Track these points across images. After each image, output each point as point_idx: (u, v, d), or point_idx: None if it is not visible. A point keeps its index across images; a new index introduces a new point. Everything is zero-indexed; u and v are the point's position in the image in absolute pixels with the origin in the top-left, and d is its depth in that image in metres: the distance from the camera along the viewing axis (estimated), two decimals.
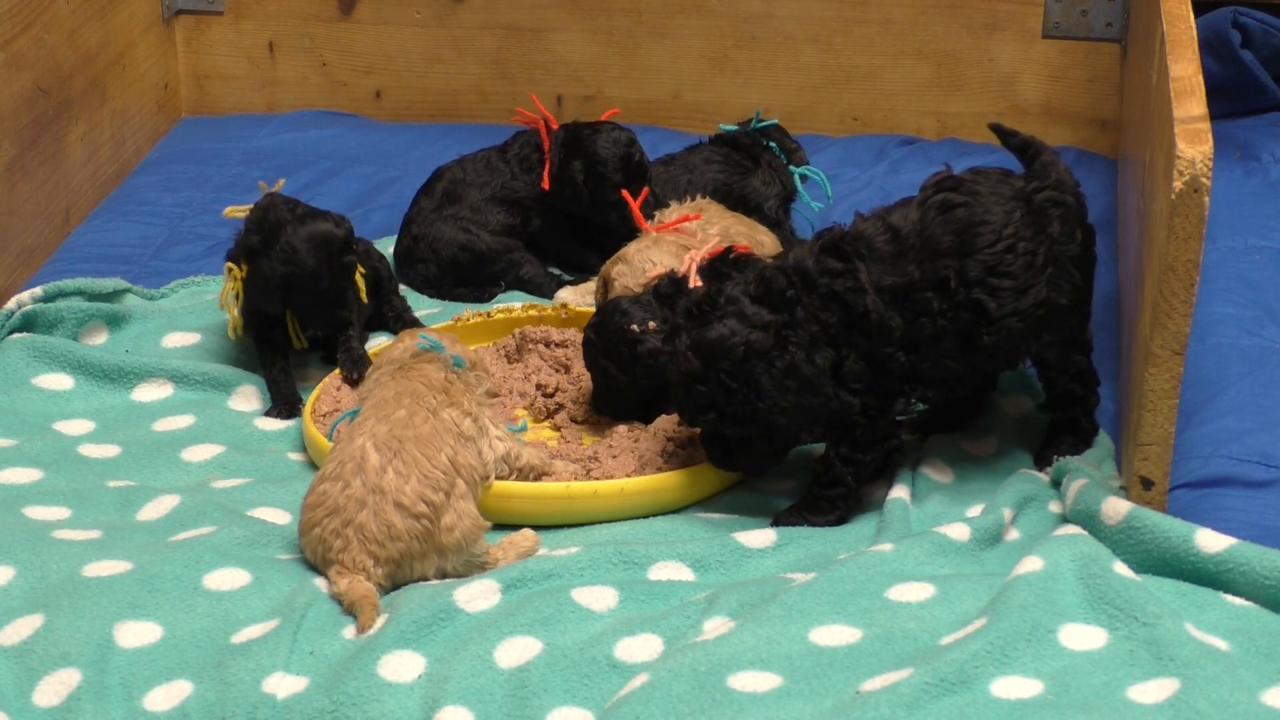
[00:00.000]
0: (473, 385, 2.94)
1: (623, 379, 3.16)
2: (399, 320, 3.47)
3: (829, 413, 2.82)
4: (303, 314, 3.32)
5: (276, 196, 3.34)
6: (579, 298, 3.64)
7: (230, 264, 3.33)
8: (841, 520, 2.91)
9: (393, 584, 2.70)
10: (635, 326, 3.13)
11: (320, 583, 2.68)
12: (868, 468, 2.91)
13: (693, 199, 3.65)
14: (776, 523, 2.91)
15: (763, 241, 3.51)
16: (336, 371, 3.34)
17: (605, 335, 3.16)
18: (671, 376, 2.88)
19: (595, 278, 3.72)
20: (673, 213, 3.49)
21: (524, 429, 3.09)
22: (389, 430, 2.74)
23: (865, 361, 2.83)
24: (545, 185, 3.75)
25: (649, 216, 3.56)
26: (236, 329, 3.34)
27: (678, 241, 3.36)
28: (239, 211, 3.38)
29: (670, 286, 3.18)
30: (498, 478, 2.90)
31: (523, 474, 2.94)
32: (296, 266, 3.23)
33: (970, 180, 2.92)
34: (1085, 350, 3.01)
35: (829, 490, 2.91)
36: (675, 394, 2.89)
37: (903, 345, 2.83)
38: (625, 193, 3.60)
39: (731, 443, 2.89)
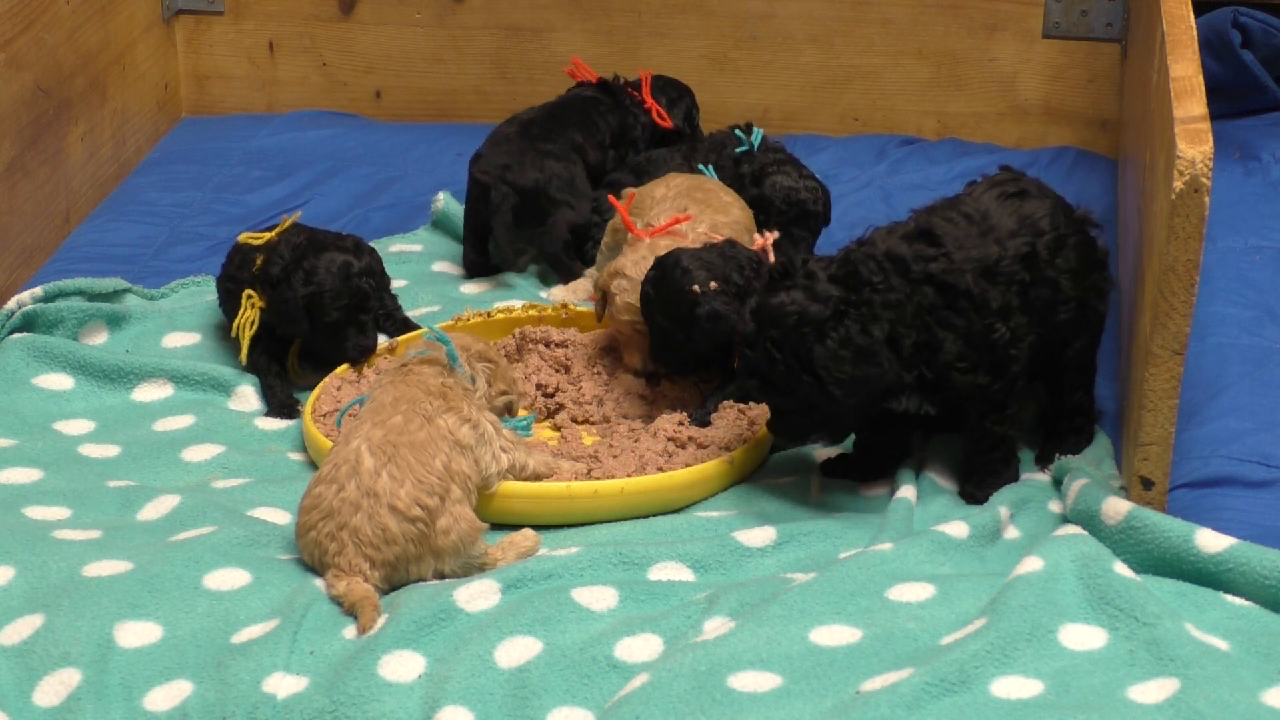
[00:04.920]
0: (471, 391, 2.92)
1: (679, 337, 3.16)
2: (390, 319, 3.48)
3: (885, 386, 2.83)
4: (330, 341, 3.34)
5: (299, 228, 3.41)
6: (572, 295, 3.64)
7: (249, 291, 3.35)
8: (1016, 471, 2.98)
9: (390, 586, 2.70)
10: (697, 287, 3.14)
11: (320, 583, 2.69)
12: (1013, 418, 2.96)
13: (667, 189, 3.61)
14: (972, 500, 2.94)
15: (738, 219, 3.51)
16: (337, 371, 3.34)
17: (665, 291, 3.17)
18: (737, 337, 2.92)
19: (587, 274, 3.72)
20: (661, 215, 3.47)
21: (530, 424, 3.07)
22: (384, 435, 2.74)
23: (965, 341, 2.86)
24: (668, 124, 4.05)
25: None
26: (244, 357, 3.36)
27: (673, 246, 3.35)
28: (255, 239, 3.40)
29: (740, 251, 3.23)
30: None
31: (528, 480, 2.94)
32: (318, 287, 3.27)
33: (1023, 177, 3.05)
34: (1094, 366, 3.12)
35: (994, 452, 2.96)
36: (740, 354, 2.94)
37: (1000, 314, 2.88)
38: (612, 198, 3.59)
39: (777, 409, 2.91)
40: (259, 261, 3.37)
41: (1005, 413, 2.94)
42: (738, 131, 3.85)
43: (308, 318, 3.30)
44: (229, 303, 3.44)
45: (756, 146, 3.80)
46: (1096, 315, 3.04)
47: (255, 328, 3.35)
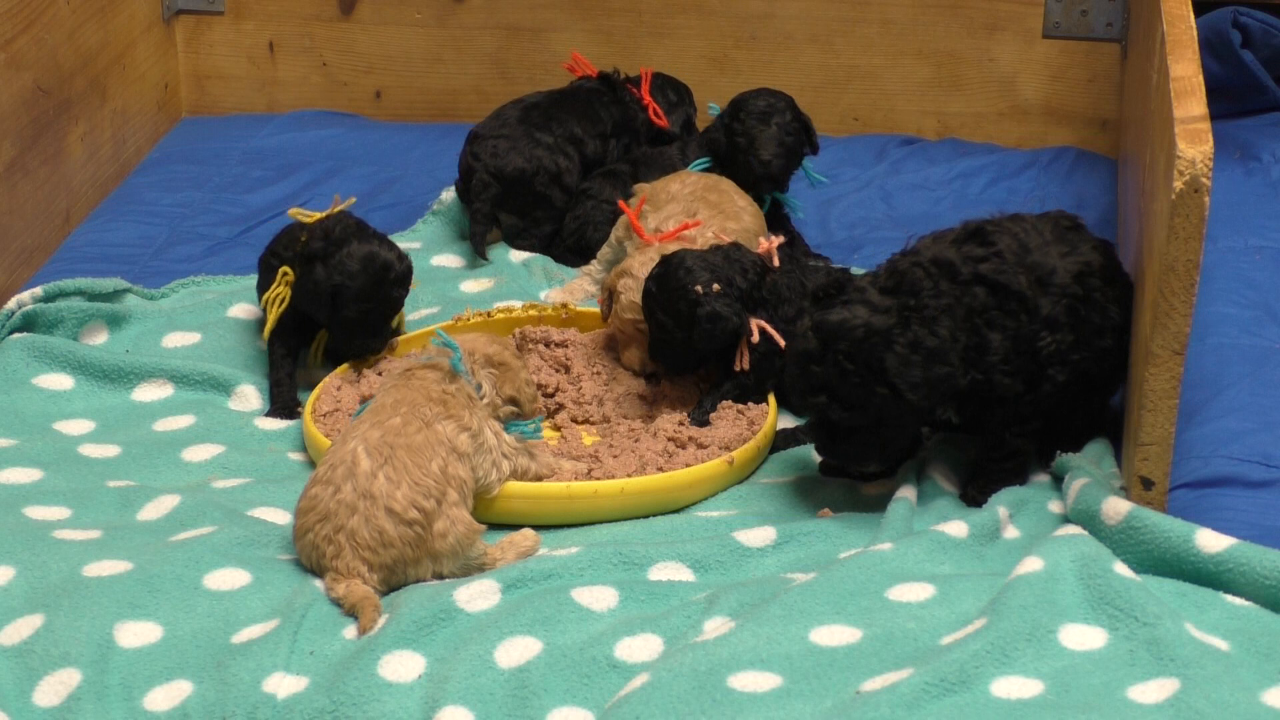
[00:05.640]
0: (475, 398, 2.90)
1: (678, 335, 3.17)
2: None
3: (956, 388, 2.84)
4: (340, 332, 3.33)
5: (349, 215, 3.38)
6: (571, 295, 3.64)
7: (285, 268, 3.34)
8: (1024, 479, 2.98)
9: (388, 588, 2.70)
10: (699, 287, 3.14)
11: (320, 583, 2.68)
12: (1033, 432, 2.96)
13: (682, 185, 3.61)
14: (973, 503, 2.93)
15: (749, 226, 3.51)
16: (337, 371, 3.34)
17: (667, 290, 3.18)
18: (789, 356, 2.91)
19: (583, 272, 3.72)
20: (673, 215, 3.48)
21: (539, 426, 3.04)
22: (381, 436, 2.74)
23: (1012, 344, 2.87)
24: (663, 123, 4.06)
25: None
26: (268, 331, 3.34)
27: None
28: (306, 216, 3.38)
29: (744, 254, 3.24)
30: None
31: (530, 481, 2.94)
32: (348, 280, 3.25)
33: (1077, 217, 3.07)
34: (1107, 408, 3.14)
35: (1008, 462, 2.96)
36: (790, 374, 2.91)
37: (1047, 324, 2.88)
38: (623, 203, 3.60)
39: (840, 431, 2.88)
40: (303, 239, 3.35)
41: (1028, 426, 2.94)
42: (712, 105, 3.89)
43: (331, 305, 3.29)
44: (266, 277, 3.40)
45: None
46: (1124, 359, 3.03)
47: (284, 305, 3.33)
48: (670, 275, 3.19)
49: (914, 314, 2.82)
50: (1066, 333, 2.91)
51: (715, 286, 3.16)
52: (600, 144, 4.00)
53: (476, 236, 3.82)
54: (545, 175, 3.85)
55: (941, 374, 2.81)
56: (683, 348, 3.21)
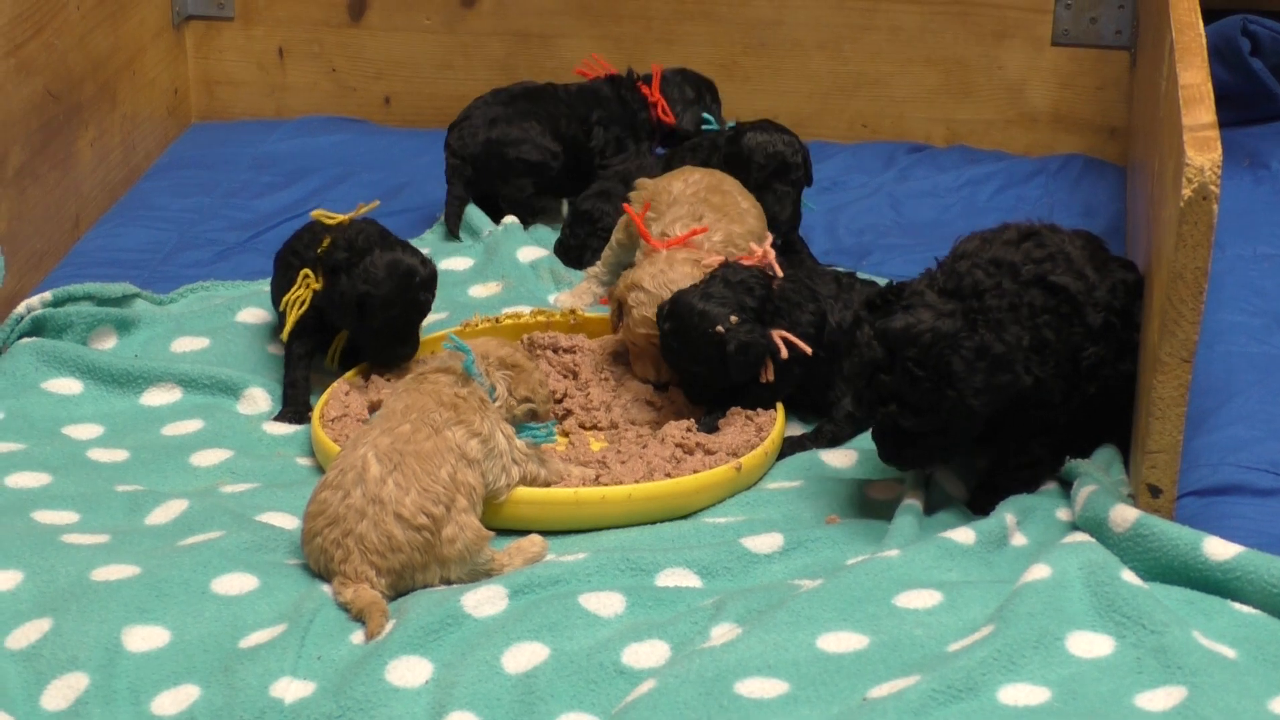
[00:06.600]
0: (488, 402, 2.90)
1: (714, 377, 3.17)
2: None
3: (1018, 392, 2.83)
4: (370, 341, 3.32)
5: (371, 222, 3.37)
6: (579, 300, 3.64)
7: (307, 270, 3.33)
8: (1035, 489, 2.97)
9: (395, 593, 2.70)
10: (720, 327, 3.13)
11: (328, 588, 2.69)
12: (1057, 444, 2.95)
13: (685, 185, 3.60)
14: (980, 511, 2.92)
15: (753, 228, 3.51)
16: (346, 377, 3.34)
17: (688, 339, 3.15)
18: (851, 367, 2.88)
19: (588, 274, 3.72)
20: (679, 219, 3.47)
21: (552, 430, 3.03)
22: (391, 443, 2.74)
23: (1064, 348, 2.87)
24: (668, 119, 4.11)
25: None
26: (286, 333, 3.34)
27: (690, 258, 3.35)
28: (328, 218, 3.37)
29: (741, 272, 3.22)
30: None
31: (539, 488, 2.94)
32: (374, 288, 3.23)
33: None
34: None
35: (1024, 471, 2.95)
36: (854, 384, 2.89)
37: (1090, 334, 2.88)
38: (628, 207, 3.59)
39: (905, 436, 2.86)
40: (326, 242, 3.34)
41: (1055, 435, 2.94)
42: (705, 114, 3.92)
43: (358, 314, 3.29)
44: (284, 276, 3.39)
45: (729, 124, 3.87)
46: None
47: (304, 307, 3.32)
48: (686, 324, 3.15)
49: (979, 316, 2.80)
50: (1103, 346, 2.90)
51: (733, 319, 3.14)
52: (579, 128, 4.06)
53: (450, 217, 3.99)
54: (508, 143, 3.97)
55: (1005, 380, 2.80)
56: (720, 385, 3.20)
